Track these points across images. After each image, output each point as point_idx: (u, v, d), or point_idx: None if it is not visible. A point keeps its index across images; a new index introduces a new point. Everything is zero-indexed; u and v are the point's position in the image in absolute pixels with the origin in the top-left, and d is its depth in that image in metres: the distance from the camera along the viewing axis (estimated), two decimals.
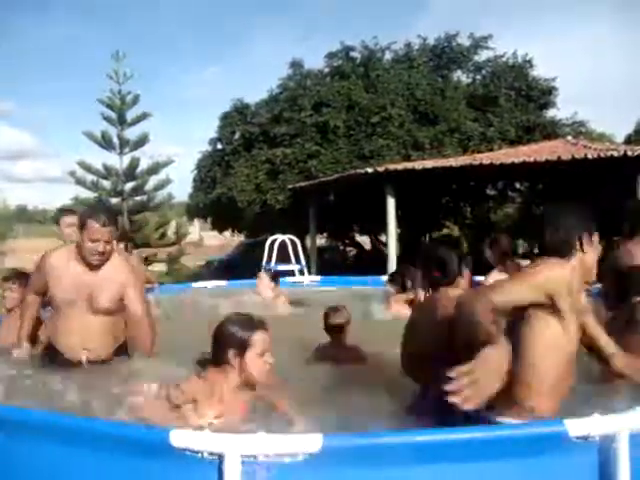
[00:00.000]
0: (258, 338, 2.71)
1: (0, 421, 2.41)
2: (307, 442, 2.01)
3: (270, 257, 12.23)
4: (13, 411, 2.50)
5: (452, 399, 2.06)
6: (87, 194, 12.46)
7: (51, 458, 2.32)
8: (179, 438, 2.06)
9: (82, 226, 3.66)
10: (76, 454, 2.26)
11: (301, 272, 12.15)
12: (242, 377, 2.68)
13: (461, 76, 21.90)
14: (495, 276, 5.49)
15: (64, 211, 5.28)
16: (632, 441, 2.10)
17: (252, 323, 2.77)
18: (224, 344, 2.70)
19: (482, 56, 21.47)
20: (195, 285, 8.01)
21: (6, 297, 4.50)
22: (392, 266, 13.15)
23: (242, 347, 2.68)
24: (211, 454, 2.03)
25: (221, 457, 2.01)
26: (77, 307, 3.70)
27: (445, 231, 25.89)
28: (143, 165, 12.51)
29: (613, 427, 2.11)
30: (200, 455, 2.05)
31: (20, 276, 4.51)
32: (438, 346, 2.79)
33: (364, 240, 23.88)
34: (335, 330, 4.37)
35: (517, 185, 21.01)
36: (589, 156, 12.01)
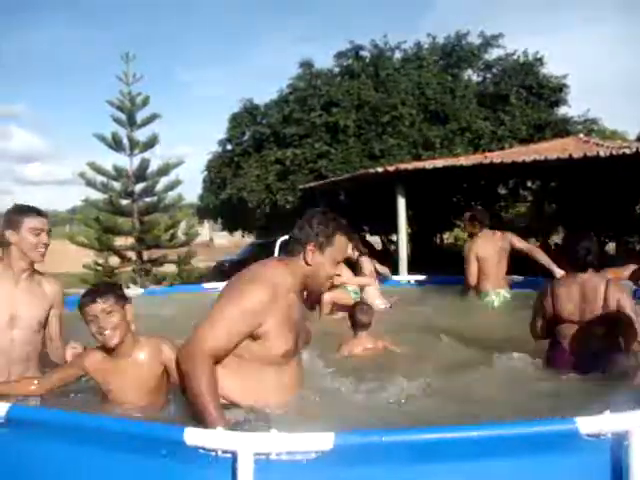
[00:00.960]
0: None
1: (10, 420, 2.42)
2: (319, 440, 2.02)
3: None
4: (25, 410, 2.51)
5: None
6: (97, 195, 12.52)
7: (63, 456, 2.34)
8: (192, 436, 2.07)
9: (327, 241, 2.68)
10: (88, 452, 2.28)
11: None
12: None
13: (471, 75, 21.90)
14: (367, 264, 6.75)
15: (30, 209, 3.32)
16: None
17: None
18: None
19: (492, 54, 21.47)
20: (206, 286, 8.00)
21: (102, 326, 2.84)
22: (403, 266, 13.13)
23: None
24: (224, 452, 2.05)
25: (234, 455, 2.03)
26: (294, 353, 2.77)
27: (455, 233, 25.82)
28: (153, 166, 12.54)
29: (625, 424, 2.11)
30: (213, 453, 2.06)
31: (117, 290, 3.00)
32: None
33: (375, 240, 23.86)
34: (362, 327, 4.61)
35: (529, 184, 20.92)
36: (601, 154, 11.94)
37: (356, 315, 4.65)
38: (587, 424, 2.09)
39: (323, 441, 2.01)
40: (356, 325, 4.64)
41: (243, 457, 2.01)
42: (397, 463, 2.08)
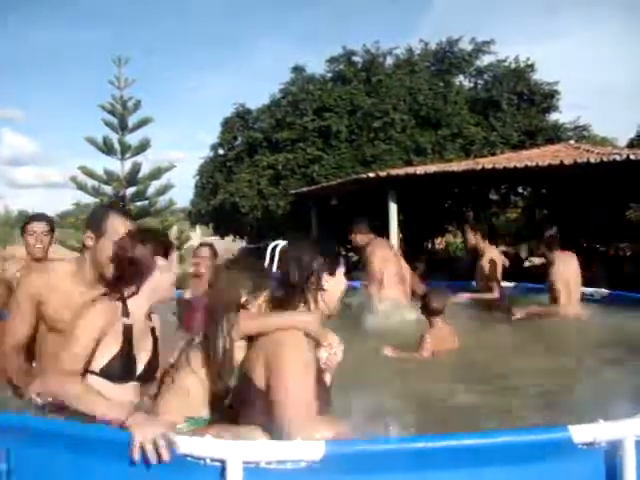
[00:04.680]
0: None
1: (5, 428, 2.39)
2: (309, 449, 2.00)
3: (272, 263, 12.21)
4: (16, 419, 2.47)
5: None
6: (89, 199, 12.48)
7: (45, 464, 2.30)
8: (181, 444, 2.04)
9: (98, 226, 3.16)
10: (75, 460, 2.24)
11: None
12: None
13: (463, 81, 21.97)
14: None
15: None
16: (639, 447, 2.07)
17: None
18: None
19: (484, 61, 21.56)
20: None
21: None
22: None
23: None
24: (213, 460, 2.02)
25: (223, 463, 2.00)
26: None
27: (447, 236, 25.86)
28: (144, 170, 12.51)
29: (619, 433, 2.09)
30: (202, 461, 2.03)
31: None
32: None
33: None
34: (434, 313, 4.57)
35: (520, 190, 20.99)
36: (592, 160, 11.97)
37: (428, 302, 4.59)
38: (581, 432, 2.07)
39: (313, 450, 1.99)
40: (429, 312, 4.59)
41: (232, 465, 1.98)
42: (389, 472, 2.06)
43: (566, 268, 5.88)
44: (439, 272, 13.32)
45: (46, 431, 2.34)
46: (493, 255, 6.55)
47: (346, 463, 2.04)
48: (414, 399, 3.47)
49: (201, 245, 5.69)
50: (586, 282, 6.23)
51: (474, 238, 6.46)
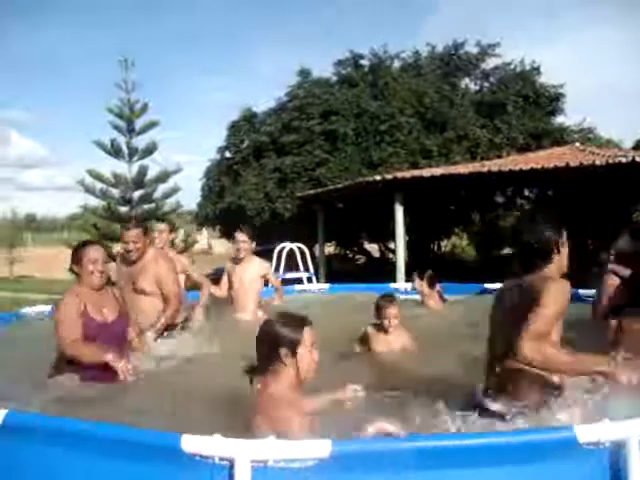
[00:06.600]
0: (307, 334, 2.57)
1: (8, 427, 2.41)
2: (317, 447, 2.02)
3: (278, 265, 12.22)
4: (22, 417, 2.50)
5: None
6: (96, 202, 12.51)
7: (59, 463, 2.32)
8: (190, 443, 2.06)
9: None
10: (85, 459, 2.26)
11: (309, 280, 12.14)
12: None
13: (469, 83, 21.98)
14: None
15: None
16: None
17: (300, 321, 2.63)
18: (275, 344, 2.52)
19: (490, 63, 21.55)
20: None
21: None
22: (401, 274, 13.12)
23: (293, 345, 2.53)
24: (222, 459, 2.04)
25: (232, 462, 2.02)
26: None
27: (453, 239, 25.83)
28: (152, 173, 12.54)
29: (623, 433, 2.10)
30: (211, 460, 2.05)
31: None
32: None
33: (373, 248, 23.84)
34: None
35: (526, 192, 20.95)
36: (597, 162, 11.96)
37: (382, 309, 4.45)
38: (585, 432, 2.09)
39: (320, 448, 2.01)
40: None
41: (240, 464, 2.00)
42: (394, 470, 2.07)
43: None
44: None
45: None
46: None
47: (353, 461, 2.06)
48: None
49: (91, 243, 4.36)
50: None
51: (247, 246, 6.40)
